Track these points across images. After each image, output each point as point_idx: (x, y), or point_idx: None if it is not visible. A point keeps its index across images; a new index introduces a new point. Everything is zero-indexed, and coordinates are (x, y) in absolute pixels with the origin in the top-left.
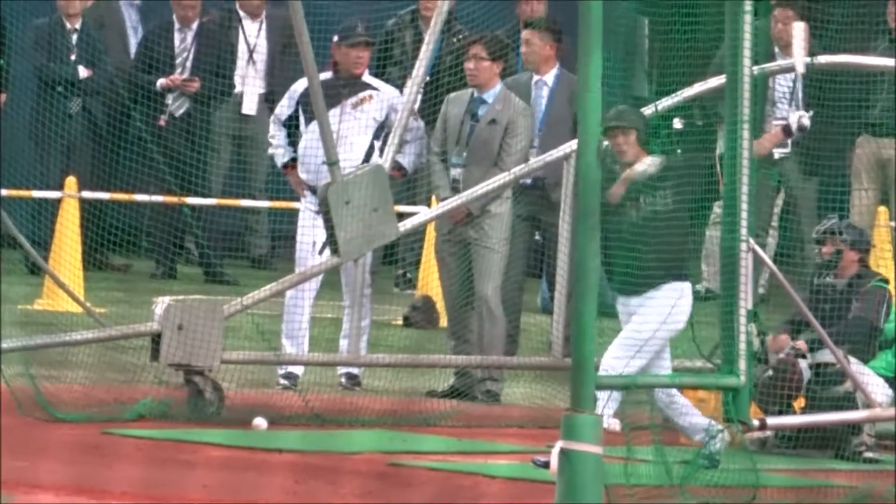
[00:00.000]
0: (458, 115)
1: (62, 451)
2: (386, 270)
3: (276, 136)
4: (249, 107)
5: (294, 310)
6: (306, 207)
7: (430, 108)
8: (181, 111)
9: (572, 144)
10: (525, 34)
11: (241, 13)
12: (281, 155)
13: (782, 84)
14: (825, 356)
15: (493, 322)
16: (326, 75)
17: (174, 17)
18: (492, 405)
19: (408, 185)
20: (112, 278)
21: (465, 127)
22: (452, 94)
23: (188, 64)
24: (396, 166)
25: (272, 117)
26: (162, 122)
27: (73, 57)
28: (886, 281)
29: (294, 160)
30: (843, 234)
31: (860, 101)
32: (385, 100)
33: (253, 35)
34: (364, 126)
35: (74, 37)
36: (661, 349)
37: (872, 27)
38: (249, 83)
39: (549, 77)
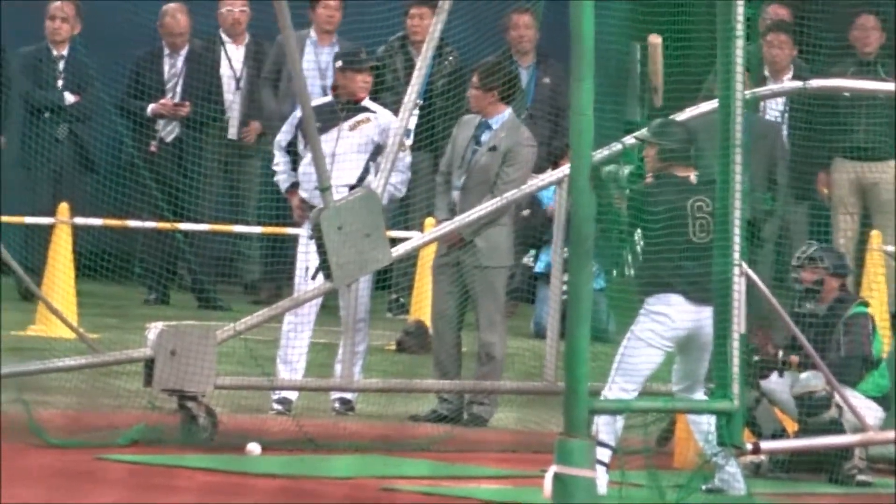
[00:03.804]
0: (466, 138)
1: (54, 476)
2: (379, 295)
3: (280, 162)
4: (235, 132)
5: (292, 335)
6: (305, 232)
7: (423, 133)
8: (172, 136)
9: (565, 169)
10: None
11: (225, 38)
12: (283, 180)
13: (773, 109)
14: (809, 384)
15: (492, 367)
16: (325, 99)
17: (163, 43)
18: (484, 430)
19: (401, 210)
20: (105, 304)
21: (469, 151)
22: (465, 117)
23: (178, 89)
24: None
25: (275, 143)
26: (153, 148)
27: (59, 83)
28: (867, 304)
29: (295, 185)
30: (825, 261)
31: (837, 124)
32: (382, 123)
33: (238, 60)
34: (360, 148)
35: (61, 63)
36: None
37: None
38: (236, 109)
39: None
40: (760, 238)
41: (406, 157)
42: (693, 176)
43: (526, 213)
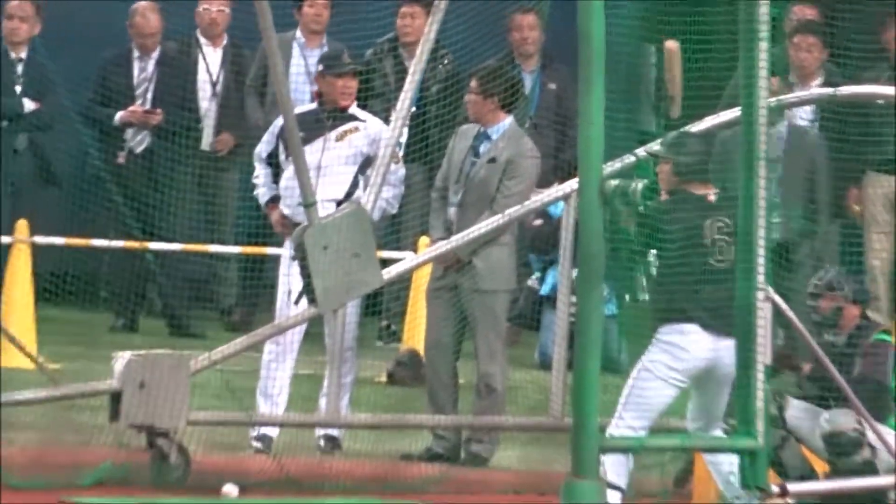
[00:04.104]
0: (463, 149)
1: None
2: (368, 322)
3: (259, 174)
4: (212, 143)
5: (273, 365)
6: (288, 251)
7: (417, 144)
8: (142, 147)
9: (573, 183)
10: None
11: (202, 40)
12: (263, 194)
13: (802, 118)
14: (838, 424)
15: (492, 401)
16: (310, 107)
17: (132, 44)
18: (484, 470)
19: (393, 229)
20: (68, 331)
21: (467, 163)
22: (462, 126)
23: (149, 95)
24: None
25: (254, 154)
26: (121, 160)
27: (18, 89)
28: (889, 332)
29: (276, 198)
30: (844, 289)
31: (870, 135)
32: (372, 133)
33: (215, 64)
34: (349, 159)
35: (20, 67)
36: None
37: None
38: (212, 117)
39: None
40: (792, 261)
41: (399, 170)
42: (712, 194)
43: (538, 222)
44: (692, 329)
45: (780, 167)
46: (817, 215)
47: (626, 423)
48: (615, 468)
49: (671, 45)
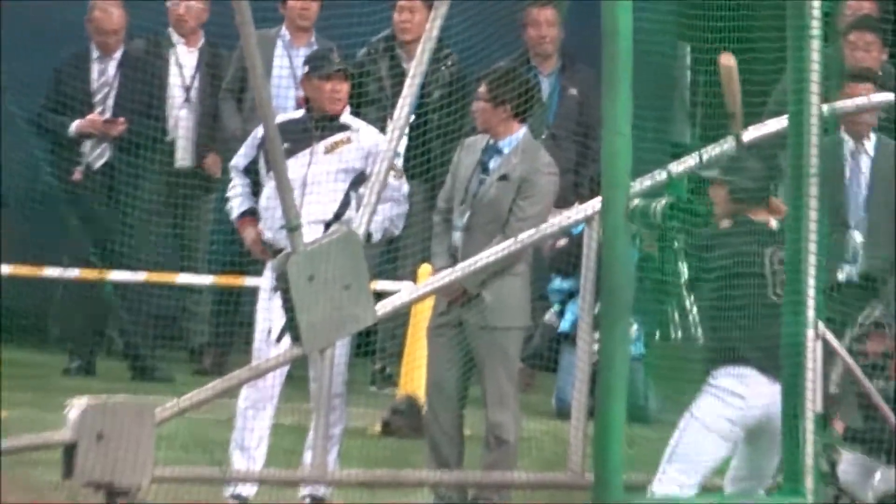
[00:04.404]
0: (470, 165)
1: None
2: (360, 364)
3: (236, 185)
4: (185, 157)
5: (250, 413)
6: (268, 282)
7: (417, 158)
8: (101, 162)
9: (595, 203)
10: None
11: (175, 37)
12: (237, 205)
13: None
14: (892, 483)
15: (502, 454)
16: (295, 114)
17: (92, 44)
18: None
19: (389, 256)
20: (16, 375)
21: (474, 181)
22: (469, 139)
23: (110, 102)
24: None
25: (230, 165)
26: (77, 176)
27: None
28: None
29: (252, 212)
30: (894, 327)
31: None
32: (366, 144)
33: (189, 67)
34: (339, 175)
35: None
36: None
37: None
38: (183, 126)
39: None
40: (878, 296)
41: (402, 185)
42: (774, 221)
43: (563, 241)
44: (748, 373)
45: (865, 187)
46: None
47: (671, 477)
48: None
49: (727, 60)
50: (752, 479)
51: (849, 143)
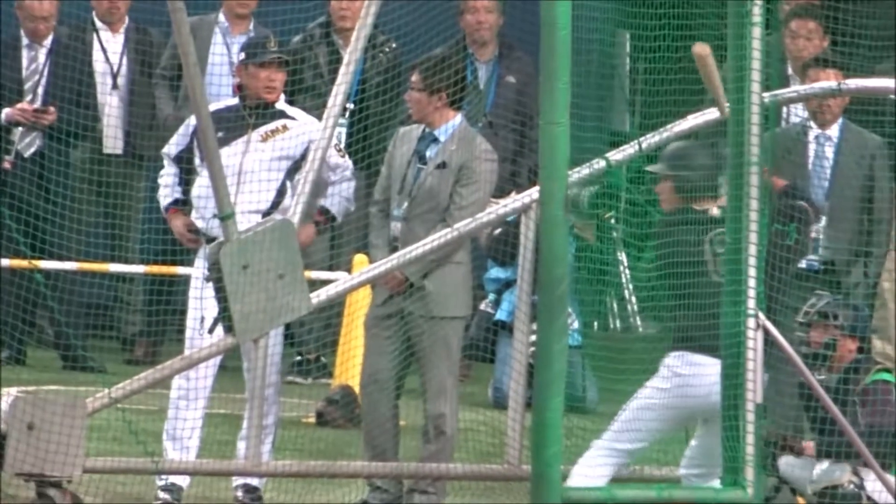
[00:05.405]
0: (405, 154)
1: None
2: (294, 354)
3: (167, 173)
4: (114, 145)
5: (182, 404)
6: (200, 271)
7: (354, 146)
8: (31, 150)
9: (533, 193)
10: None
11: (98, 23)
12: (166, 195)
13: (798, 116)
14: (832, 477)
15: (440, 445)
16: (230, 102)
17: (21, 30)
18: None
19: (324, 245)
20: None
21: (411, 170)
22: (402, 129)
23: (40, 90)
24: (321, 210)
25: (162, 152)
26: (7, 165)
27: None
28: (889, 370)
29: (183, 202)
30: (838, 318)
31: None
32: (302, 133)
33: (115, 53)
34: (274, 164)
35: None
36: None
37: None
38: (112, 114)
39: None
40: (840, 287)
41: (348, 162)
42: (716, 209)
43: (498, 231)
44: (702, 360)
45: (829, 174)
46: (874, 234)
47: (607, 444)
48: None
49: (701, 49)
50: (707, 465)
51: (814, 130)
